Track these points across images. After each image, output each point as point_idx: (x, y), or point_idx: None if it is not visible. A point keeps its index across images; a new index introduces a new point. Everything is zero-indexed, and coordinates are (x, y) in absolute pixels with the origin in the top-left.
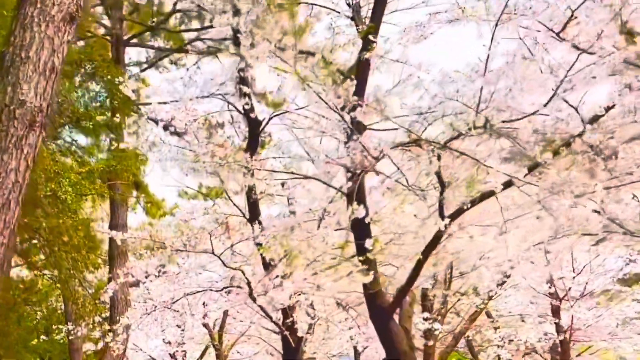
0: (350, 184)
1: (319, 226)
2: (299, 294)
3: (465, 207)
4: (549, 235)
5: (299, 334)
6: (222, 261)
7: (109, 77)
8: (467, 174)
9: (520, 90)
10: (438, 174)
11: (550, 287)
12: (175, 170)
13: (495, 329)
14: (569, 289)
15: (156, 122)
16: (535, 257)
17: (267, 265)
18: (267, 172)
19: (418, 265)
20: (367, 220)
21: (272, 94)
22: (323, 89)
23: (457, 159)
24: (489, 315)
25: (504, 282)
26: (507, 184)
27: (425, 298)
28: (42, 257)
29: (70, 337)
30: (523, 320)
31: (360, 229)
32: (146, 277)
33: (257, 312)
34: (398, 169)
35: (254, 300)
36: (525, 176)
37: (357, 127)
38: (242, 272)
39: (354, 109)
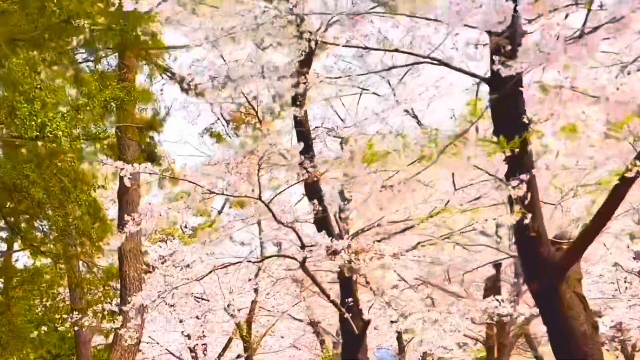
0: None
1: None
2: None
3: None
4: None
5: (365, 316)
6: (271, 211)
7: None
8: None
9: None
10: None
11: None
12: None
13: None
14: None
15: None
16: None
17: (323, 225)
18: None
19: (616, 194)
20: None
21: None
22: None
23: None
24: None
25: None
26: None
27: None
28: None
29: (76, 328)
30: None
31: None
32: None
33: (289, 299)
34: None
35: (307, 272)
36: None
37: None
38: (295, 230)
39: None
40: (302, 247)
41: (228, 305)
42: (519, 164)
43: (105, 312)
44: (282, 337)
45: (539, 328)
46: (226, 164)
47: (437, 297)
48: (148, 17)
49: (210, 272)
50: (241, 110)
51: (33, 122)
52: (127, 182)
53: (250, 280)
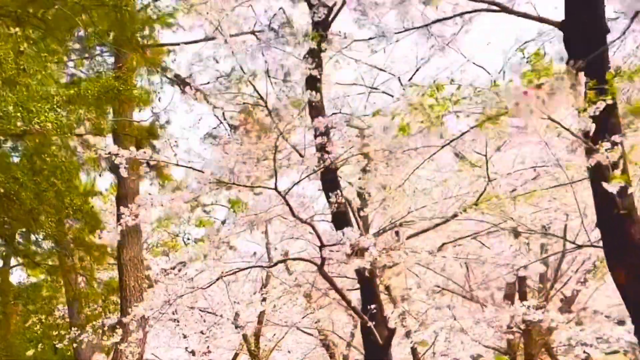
0: None
1: None
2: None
3: None
4: None
5: (391, 324)
6: (288, 204)
7: None
8: None
9: None
10: None
11: None
12: None
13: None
14: None
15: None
16: None
17: (342, 221)
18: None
19: None
20: None
21: None
22: None
23: None
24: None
25: None
26: None
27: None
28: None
29: (75, 346)
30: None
31: None
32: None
33: (297, 308)
34: None
35: (326, 276)
36: None
37: None
38: (313, 226)
39: None
40: (322, 246)
41: (235, 317)
42: (606, 125)
43: (106, 328)
44: (290, 351)
45: (559, 336)
46: (238, 144)
47: (455, 305)
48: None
49: (218, 279)
50: (248, 104)
51: (19, 114)
52: (124, 173)
53: (255, 293)
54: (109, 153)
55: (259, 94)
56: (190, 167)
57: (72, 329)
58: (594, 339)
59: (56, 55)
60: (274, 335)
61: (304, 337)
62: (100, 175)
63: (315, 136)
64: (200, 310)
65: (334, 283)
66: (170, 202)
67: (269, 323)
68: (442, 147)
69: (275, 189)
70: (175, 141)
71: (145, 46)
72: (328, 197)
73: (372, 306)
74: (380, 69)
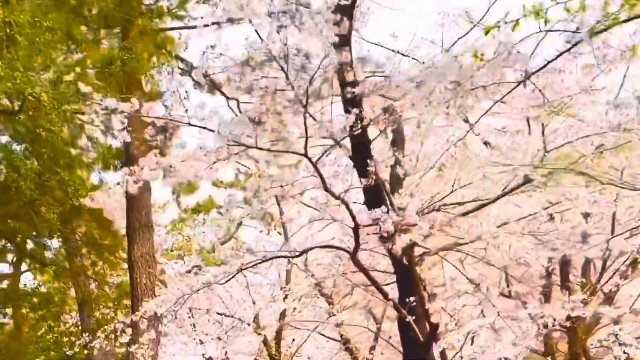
0: None
1: None
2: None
3: None
4: None
5: (435, 319)
6: (319, 174)
7: None
8: None
9: None
10: None
11: None
12: None
13: None
14: None
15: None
16: None
17: (375, 197)
18: None
19: None
20: None
21: None
22: None
23: None
24: None
25: None
26: None
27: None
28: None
29: (87, 352)
30: None
31: None
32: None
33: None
34: None
35: (359, 264)
36: None
37: None
38: (346, 204)
39: None
40: (356, 227)
41: (254, 320)
42: None
43: (118, 333)
44: (309, 358)
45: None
46: (260, 97)
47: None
48: None
49: (239, 271)
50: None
51: (9, 83)
52: (127, 136)
53: (274, 295)
54: (106, 107)
55: (284, 70)
56: (204, 127)
57: (83, 334)
58: (634, 338)
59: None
60: (293, 340)
61: (325, 341)
62: (109, 169)
63: (345, 101)
64: (218, 313)
65: (368, 272)
66: (181, 164)
67: (287, 327)
68: (519, 83)
69: (306, 154)
70: (186, 92)
71: (154, 30)
72: (359, 169)
73: (411, 299)
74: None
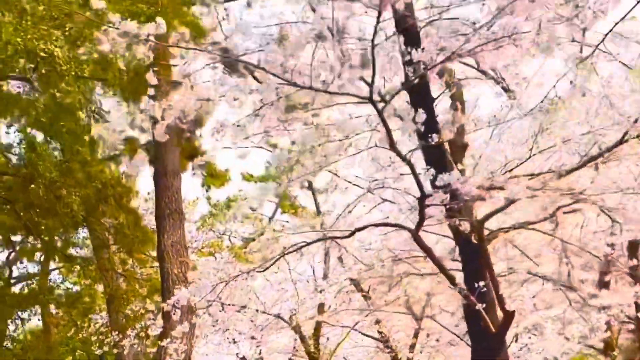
0: None
1: None
2: None
3: None
4: None
5: (509, 306)
6: (386, 126)
7: None
8: None
9: None
10: None
11: None
12: None
13: None
14: None
15: None
16: None
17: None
18: None
19: None
20: None
21: None
22: None
23: None
24: None
25: None
26: None
27: None
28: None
29: (117, 351)
30: None
31: None
32: None
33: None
34: None
35: (422, 243)
36: None
37: None
38: (412, 166)
39: None
40: (422, 197)
41: (291, 317)
42: None
43: (148, 324)
44: (345, 358)
45: None
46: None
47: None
48: None
49: (281, 256)
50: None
51: (19, 38)
52: (151, 78)
53: (312, 289)
54: (125, 33)
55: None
56: (248, 63)
57: (113, 333)
58: None
59: None
60: (327, 339)
61: (361, 339)
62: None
63: (406, 42)
64: (253, 310)
65: (432, 252)
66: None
67: (324, 325)
68: None
69: (370, 98)
70: (226, 10)
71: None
72: (421, 130)
73: (480, 283)
74: None
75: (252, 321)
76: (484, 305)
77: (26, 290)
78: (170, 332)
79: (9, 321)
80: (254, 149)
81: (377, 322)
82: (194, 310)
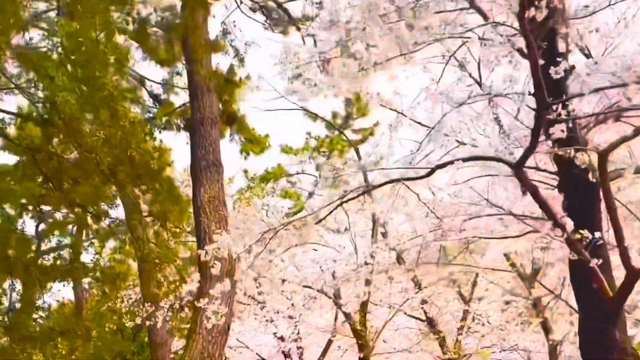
0: None
1: None
2: None
3: None
4: None
5: (636, 262)
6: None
7: None
8: None
9: None
10: None
11: None
12: None
13: None
14: None
15: None
16: None
17: None
18: None
19: None
20: None
21: None
22: None
23: None
24: None
25: None
26: None
27: None
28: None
29: (149, 323)
30: None
31: None
32: None
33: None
34: None
35: (525, 179)
36: None
37: None
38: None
39: None
40: (541, 107)
41: (335, 295)
42: None
43: (183, 302)
44: (385, 341)
45: None
46: None
47: None
48: None
49: (341, 203)
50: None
51: None
52: None
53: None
54: None
55: None
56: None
57: (145, 304)
58: None
59: None
60: (370, 322)
61: (405, 320)
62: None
63: None
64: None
65: (538, 191)
66: None
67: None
68: None
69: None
70: None
71: None
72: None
73: (595, 236)
74: None
75: (288, 299)
76: (599, 262)
77: (58, 262)
78: (208, 292)
79: (38, 293)
80: (293, 118)
81: (424, 302)
82: (234, 271)
